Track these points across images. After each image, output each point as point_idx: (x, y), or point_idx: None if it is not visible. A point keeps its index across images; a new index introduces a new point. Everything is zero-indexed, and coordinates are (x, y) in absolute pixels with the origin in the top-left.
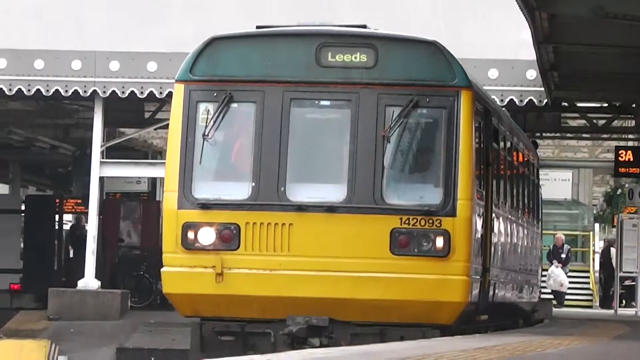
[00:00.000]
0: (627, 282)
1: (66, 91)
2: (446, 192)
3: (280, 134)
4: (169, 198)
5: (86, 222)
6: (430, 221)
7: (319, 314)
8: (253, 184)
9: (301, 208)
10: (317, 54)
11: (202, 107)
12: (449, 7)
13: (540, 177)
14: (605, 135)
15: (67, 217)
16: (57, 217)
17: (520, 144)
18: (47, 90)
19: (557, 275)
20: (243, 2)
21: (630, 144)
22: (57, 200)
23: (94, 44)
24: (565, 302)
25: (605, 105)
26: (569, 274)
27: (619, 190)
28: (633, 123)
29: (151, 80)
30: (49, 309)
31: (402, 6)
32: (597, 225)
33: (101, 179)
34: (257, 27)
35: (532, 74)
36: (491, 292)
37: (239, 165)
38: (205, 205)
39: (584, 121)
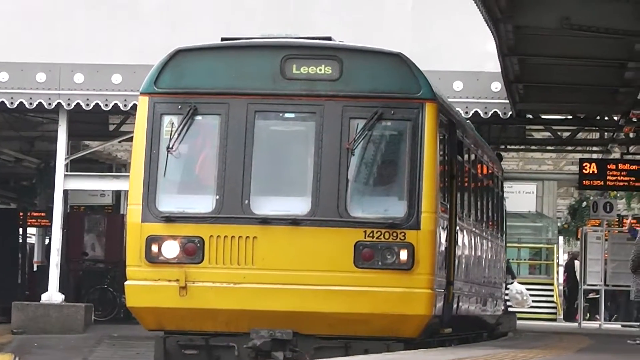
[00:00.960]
0: (591, 295)
1: (30, 104)
2: (410, 205)
3: (245, 147)
4: (133, 211)
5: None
6: (395, 234)
7: (283, 327)
8: (217, 197)
9: (265, 221)
10: (282, 65)
11: (167, 119)
12: (416, 18)
13: (504, 189)
14: (569, 148)
15: (31, 230)
16: (21, 230)
17: (485, 157)
18: (12, 103)
19: (521, 291)
20: (210, 14)
21: (594, 156)
22: (21, 214)
23: (59, 56)
24: (529, 315)
25: (570, 117)
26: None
27: (584, 203)
28: (597, 135)
29: (116, 93)
30: (13, 323)
31: (368, 17)
32: (561, 238)
33: (65, 192)
34: (222, 39)
35: (497, 86)
36: (455, 305)
37: (203, 178)
38: (169, 219)
39: (548, 133)
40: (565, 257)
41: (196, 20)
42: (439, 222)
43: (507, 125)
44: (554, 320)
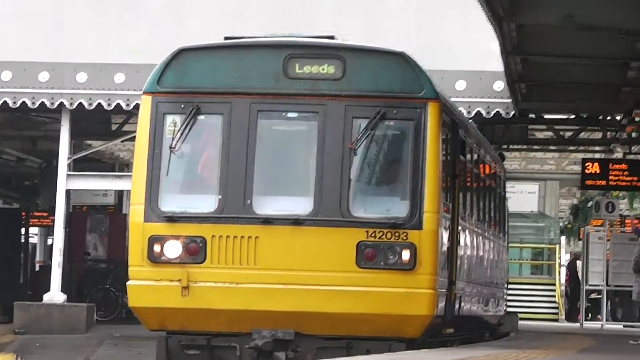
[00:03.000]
0: (593, 295)
1: (33, 103)
2: (413, 205)
3: (247, 146)
4: (136, 211)
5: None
6: (397, 234)
7: (285, 327)
8: (219, 197)
9: (267, 221)
10: (285, 65)
11: (169, 119)
12: (419, 17)
13: (506, 189)
14: (572, 147)
15: (34, 230)
16: (23, 230)
17: (487, 156)
18: (14, 102)
19: None
20: (213, 13)
21: (597, 156)
22: (24, 213)
23: (61, 55)
24: (532, 315)
25: (572, 117)
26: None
27: (590, 203)
28: (600, 135)
29: (118, 92)
30: (15, 323)
31: (372, 15)
32: (563, 238)
33: (68, 191)
34: (225, 38)
35: (500, 85)
36: (457, 305)
37: (205, 178)
38: (172, 218)
39: (550, 133)
40: (567, 257)
41: (199, 20)
42: (441, 222)
43: (510, 125)
44: (556, 320)
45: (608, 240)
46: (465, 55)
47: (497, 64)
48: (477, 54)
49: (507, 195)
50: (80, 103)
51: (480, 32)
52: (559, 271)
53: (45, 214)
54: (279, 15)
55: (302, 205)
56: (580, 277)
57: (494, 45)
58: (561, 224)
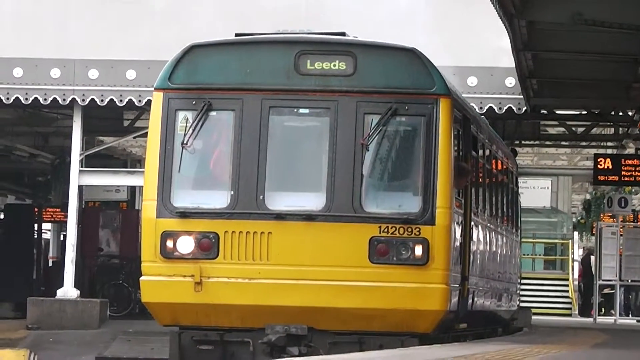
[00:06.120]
0: (606, 290)
1: (45, 99)
2: (425, 200)
3: (259, 142)
4: (148, 207)
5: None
6: (409, 229)
7: (298, 322)
8: (232, 193)
9: (280, 216)
10: (296, 61)
11: (181, 115)
12: (429, 14)
13: (519, 185)
14: (584, 143)
15: (46, 226)
16: (36, 225)
17: (499, 152)
18: (26, 99)
19: None
20: (223, 10)
21: (609, 151)
22: (36, 209)
23: (73, 52)
24: (545, 310)
25: (584, 112)
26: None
27: (605, 198)
28: (612, 130)
29: (130, 88)
30: (28, 318)
31: (383, 12)
32: (576, 233)
33: (80, 187)
34: (236, 35)
35: (511, 81)
36: (470, 301)
37: (217, 174)
38: (184, 214)
39: (562, 129)
40: (580, 252)
41: (209, 17)
42: (454, 218)
43: (522, 121)
44: (569, 315)
45: (621, 235)
46: (476, 52)
47: (508, 60)
48: (488, 51)
49: (520, 190)
50: (92, 99)
51: (491, 28)
52: (572, 266)
53: (58, 210)
54: (286, 13)
55: (314, 201)
56: (593, 272)
57: (505, 42)
58: (574, 219)
